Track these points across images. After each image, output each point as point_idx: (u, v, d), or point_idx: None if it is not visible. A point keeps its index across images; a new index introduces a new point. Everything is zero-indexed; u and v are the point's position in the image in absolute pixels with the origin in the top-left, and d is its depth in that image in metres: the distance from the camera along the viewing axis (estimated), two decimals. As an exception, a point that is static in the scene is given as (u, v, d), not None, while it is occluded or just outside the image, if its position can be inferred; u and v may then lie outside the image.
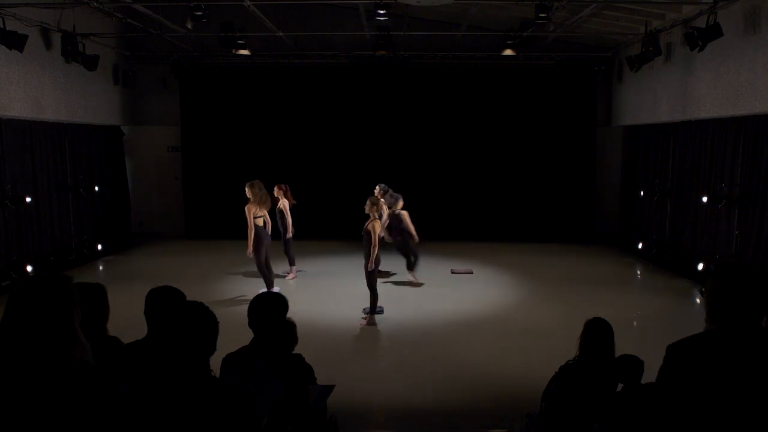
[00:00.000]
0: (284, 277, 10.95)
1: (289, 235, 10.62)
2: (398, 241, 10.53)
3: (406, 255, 10.64)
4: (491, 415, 5.59)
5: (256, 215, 9.21)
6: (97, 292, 3.44)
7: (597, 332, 3.87)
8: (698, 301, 9.89)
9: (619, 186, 15.44)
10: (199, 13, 9.91)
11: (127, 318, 4.53)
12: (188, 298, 2.89)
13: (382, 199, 9.76)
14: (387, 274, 11.13)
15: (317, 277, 11.09)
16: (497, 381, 6.39)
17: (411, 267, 10.68)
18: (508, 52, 12.65)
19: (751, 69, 9.27)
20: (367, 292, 8.49)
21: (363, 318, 8.41)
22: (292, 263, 11.05)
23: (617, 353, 3.90)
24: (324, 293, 9.92)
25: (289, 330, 4.28)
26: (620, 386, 3.88)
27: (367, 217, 8.34)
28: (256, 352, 3.34)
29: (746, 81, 9.42)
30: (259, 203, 9.30)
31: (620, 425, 3.43)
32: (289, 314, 3.65)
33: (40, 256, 11.59)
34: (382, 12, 10.41)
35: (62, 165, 12.60)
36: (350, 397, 5.66)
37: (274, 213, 10.38)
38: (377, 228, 8.14)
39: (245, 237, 9.40)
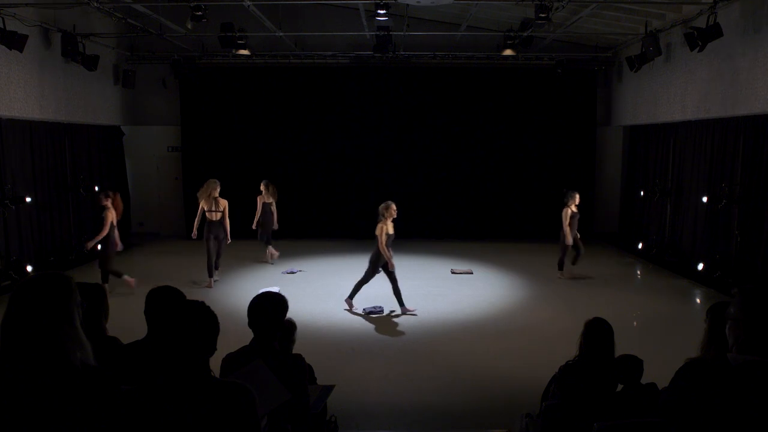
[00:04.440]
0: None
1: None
2: None
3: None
4: (491, 415, 5.58)
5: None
6: (97, 292, 3.43)
7: (597, 332, 3.87)
8: (698, 301, 9.89)
9: (619, 186, 15.45)
10: (199, 13, 9.91)
11: (127, 318, 4.54)
12: (188, 298, 2.88)
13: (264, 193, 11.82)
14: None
15: (317, 277, 11.08)
16: (497, 381, 6.39)
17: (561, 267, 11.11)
18: (508, 52, 12.65)
19: (751, 69, 9.27)
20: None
21: (410, 309, 8.64)
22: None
23: (617, 353, 3.90)
24: (324, 293, 9.92)
25: (288, 330, 4.28)
26: (620, 386, 3.88)
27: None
28: (256, 352, 3.34)
29: (746, 81, 9.42)
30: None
31: (620, 425, 3.43)
32: (290, 314, 3.65)
33: (40, 256, 11.59)
34: (382, 12, 10.41)
35: (62, 165, 12.60)
36: (350, 397, 5.66)
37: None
38: (380, 230, 8.36)
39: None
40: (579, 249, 10.94)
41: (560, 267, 11.14)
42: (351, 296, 8.91)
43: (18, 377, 2.09)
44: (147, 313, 3.41)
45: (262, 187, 12.04)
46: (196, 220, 10.36)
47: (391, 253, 8.57)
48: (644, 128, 13.97)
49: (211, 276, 10.31)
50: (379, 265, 8.57)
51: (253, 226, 11.89)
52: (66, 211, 12.73)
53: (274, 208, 12.06)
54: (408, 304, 9.18)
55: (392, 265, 8.58)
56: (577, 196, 10.92)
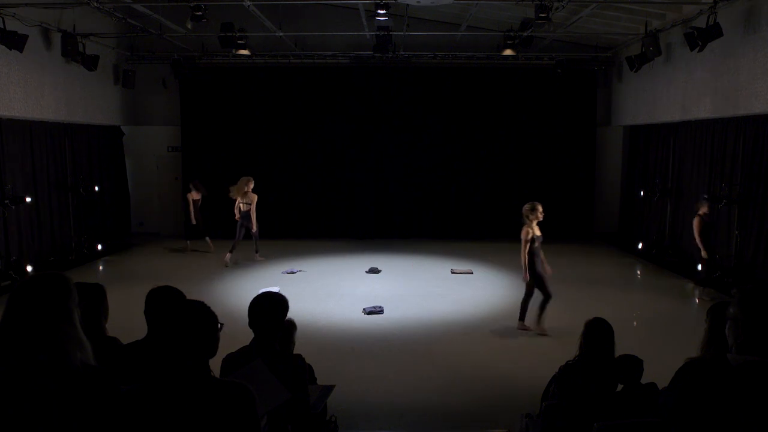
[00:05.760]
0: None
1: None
2: None
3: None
4: (491, 415, 5.58)
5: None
6: (97, 292, 3.43)
7: (597, 332, 3.87)
8: (697, 301, 9.89)
9: (619, 186, 15.46)
10: (199, 13, 9.90)
11: (126, 318, 4.54)
12: (188, 298, 2.88)
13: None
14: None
15: (317, 277, 11.08)
16: (497, 381, 6.39)
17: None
18: (508, 52, 12.65)
19: (751, 69, 9.28)
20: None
21: (525, 326, 8.03)
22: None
23: (617, 353, 3.90)
24: (324, 293, 9.92)
25: (288, 331, 4.28)
26: (620, 386, 3.88)
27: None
28: (256, 352, 3.33)
29: (746, 81, 9.42)
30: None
31: (620, 425, 3.43)
32: (290, 314, 3.64)
33: (40, 256, 11.59)
34: (382, 12, 10.41)
35: (62, 165, 12.60)
36: (350, 397, 5.66)
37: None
38: (525, 233, 7.68)
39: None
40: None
41: (702, 283, 9.85)
42: (522, 317, 8.09)
43: (18, 377, 2.09)
44: (147, 313, 3.41)
45: (191, 186, 13.41)
46: (235, 210, 12.09)
47: (543, 258, 7.85)
48: (644, 128, 13.98)
49: (231, 251, 12.03)
50: (537, 270, 7.79)
51: (193, 221, 13.31)
52: (66, 211, 12.74)
53: (199, 204, 13.59)
54: (407, 304, 9.19)
55: (526, 277, 7.86)
56: (708, 204, 9.47)
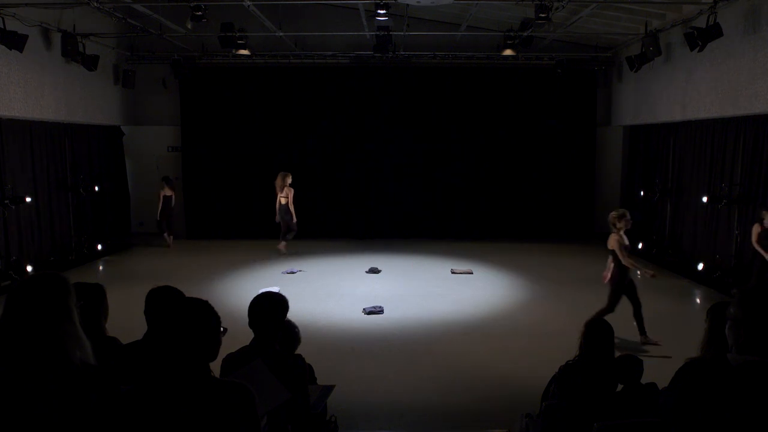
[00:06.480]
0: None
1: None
2: None
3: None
4: (491, 415, 5.58)
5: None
6: (97, 292, 3.43)
7: (597, 332, 3.88)
8: (698, 301, 9.90)
9: (619, 186, 15.45)
10: (199, 13, 9.90)
11: (126, 318, 4.54)
12: (192, 297, 2.87)
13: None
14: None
15: (317, 277, 11.08)
16: (497, 381, 6.39)
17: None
18: (508, 52, 12.65)
19: (751, 69, 9.28)
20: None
21: (651, 339, 7.35)
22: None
23: (617, 353, 3.90)
24: (324, 293, 9.91)
25: (290, 330, 4.27)
26: (620, 386, 3.88)
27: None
28: (256, 352, 3.33)
29: (746, 81, 9.42)
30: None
31: (620, 425, 3.42)
32: (290, 314, 3.64)
33: (40, 256, 11.59)
34: (382, 12, 10.40)
35: (62, 165, 12.60)
36: (350, 397, 5.66)
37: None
38: (616, 242, 7.22)
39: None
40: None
41: None
42: (642, 330, 7.53)
43: (17, 376, 2.09)
44: (147, 313, 3.41)
45: (163, 183, 14.08)
46: (277, 204, 12.73)
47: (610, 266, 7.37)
48: (644, 128, 13.97)
49: (282, 240, 12.93)
50: (624, 283, 7.35)
51: (158, 218, 13.94)
52: (66, 211, 12.74)
53: (173, 201, 14.16)
54: (407, 304, 9.18)
55: (653, 274, 7.40)
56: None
